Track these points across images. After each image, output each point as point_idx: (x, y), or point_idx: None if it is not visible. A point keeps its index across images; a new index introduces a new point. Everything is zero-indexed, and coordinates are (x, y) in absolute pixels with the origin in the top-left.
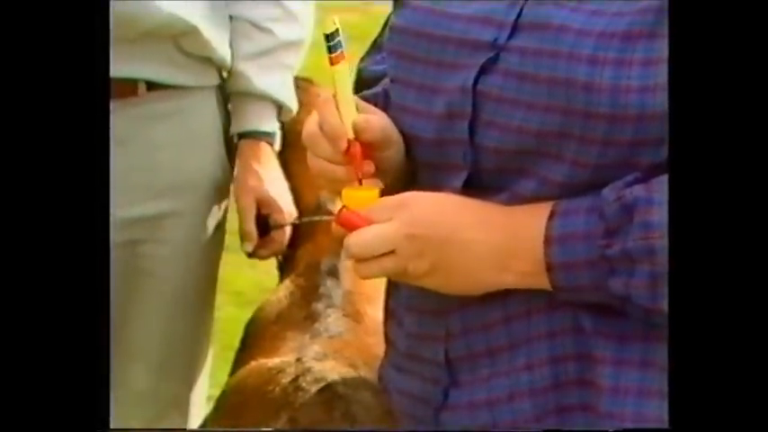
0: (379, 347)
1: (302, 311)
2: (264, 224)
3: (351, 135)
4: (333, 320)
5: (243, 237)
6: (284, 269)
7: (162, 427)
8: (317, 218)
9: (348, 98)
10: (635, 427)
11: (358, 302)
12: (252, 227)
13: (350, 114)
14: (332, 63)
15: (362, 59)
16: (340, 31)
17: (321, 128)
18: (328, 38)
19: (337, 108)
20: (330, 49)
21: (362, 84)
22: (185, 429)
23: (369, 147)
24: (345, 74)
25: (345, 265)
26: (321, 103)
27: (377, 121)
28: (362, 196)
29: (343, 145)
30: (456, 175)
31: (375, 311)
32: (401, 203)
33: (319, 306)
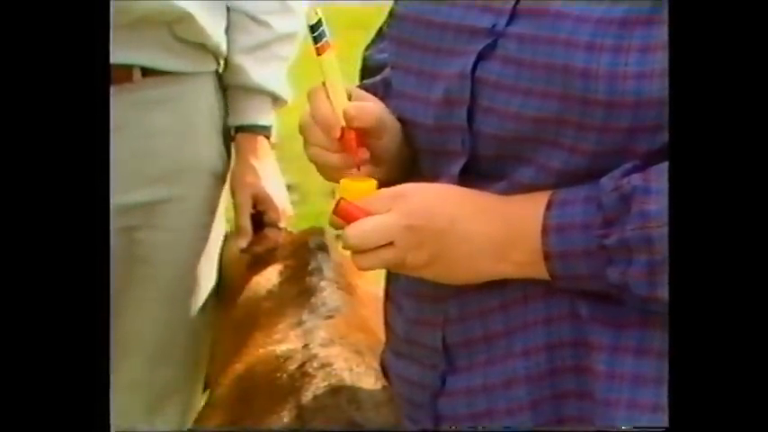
0: (373, 320)
1: (295, 287)
2: (260, 220)
3: (343, 123)
4: (328, 294)
5: (237, 232)
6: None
7: (159, 414)
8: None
9: (338, 86)
10: (633, 425)
11: (349, 275)
12: (247, 223)
13: (341, 102)
14: (318, 53)
15: (368, 47)
16: (323, 21)
17: (313, 117)
18: (312, 29)
19: (328, 97)
20: (315, 40)
21: (367, 71)
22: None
23: (363, 134)
24: (333, 63)
25: (333, 239)
26: (312, 93)
27: (369, 108)
28: (360, 187)
29: (337, 133)
30: (455, 161)
31: (364, 283)
32: (399, 194)
33: (313, 280)
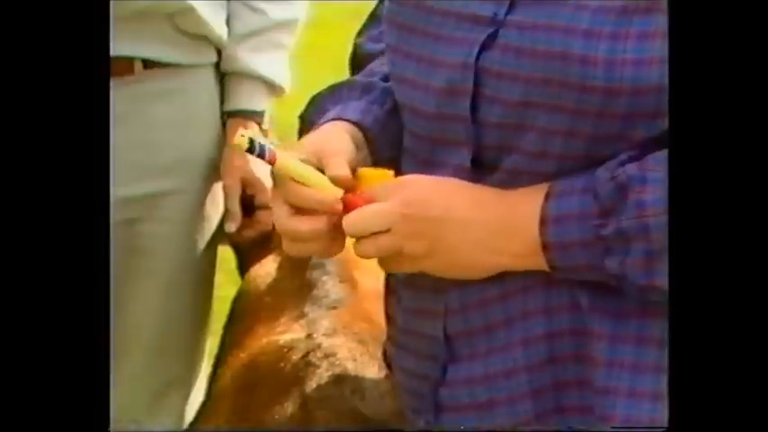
0: (377, 313)
1: (296, 281)
2: (250, 204)
3: (337, 194)
4: (331, 287)
5: (226, 216)
6: (249, 256)
7: (161, 407)
8: None
9: (308, 171)
10: (633, 426)
11: (350, 269)
12: (236, 207)
13: (319, 180)
14: (272, 164)
15: (360, 33)
16: (253, 138)
17: (311, 204)
18: (250, 151)
19: (305, 184)
20: (260, 157)
21: (358, 60)
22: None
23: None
24: (289, 159)
25: None
26: (293, 195)
27: (341, 161)
28: (376, 174)
29: (339, 205)
30: (456, 150)
31: (364, 279)
32: (400, 184)
33: (314, 274)
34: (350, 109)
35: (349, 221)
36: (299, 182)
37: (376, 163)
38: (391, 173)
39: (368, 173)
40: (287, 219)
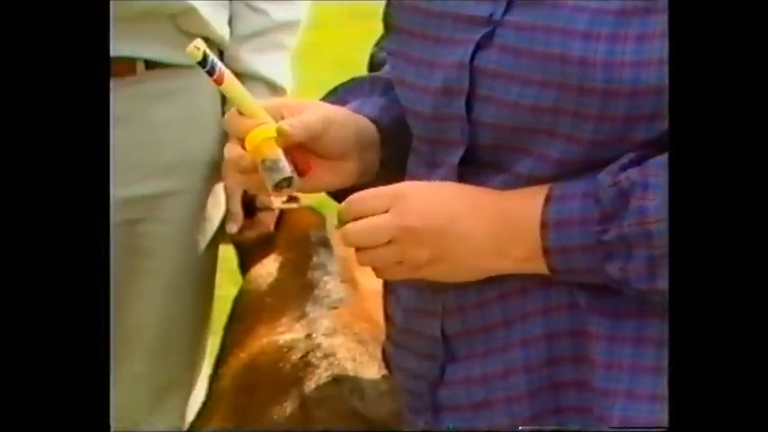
0: (376, 313)
1: (297, 281)
2: (251, 205)
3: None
4: (332, 287)
5: (228, 217)
6: (250, 255)
7: (161, 407)
8: (295, 205)
9: (252, 105)
10: (632, 426)
11: (352, 269)
12: (237, 207)
13: (254, 111)
14: (218, 83)
15: (377, 43)
16: (208, 52)
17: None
18: (202, 64)
19: (241, 111)
20: (209, 73)
21: (374, 68)
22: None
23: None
24: (236, 86)
25: (336, 234)
26: (228, 120)
27: (302, 122)
28: (261, 134)
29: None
30: (453, 150)
31: (366, 279)
32: (398, 195)
33: (316, 274)
34: (369, 104)
35: (349, 234)
36: (238, 109)
37: (385, 163)
38: (272, 127)
39: (253, 136)
40: (227, 145)
